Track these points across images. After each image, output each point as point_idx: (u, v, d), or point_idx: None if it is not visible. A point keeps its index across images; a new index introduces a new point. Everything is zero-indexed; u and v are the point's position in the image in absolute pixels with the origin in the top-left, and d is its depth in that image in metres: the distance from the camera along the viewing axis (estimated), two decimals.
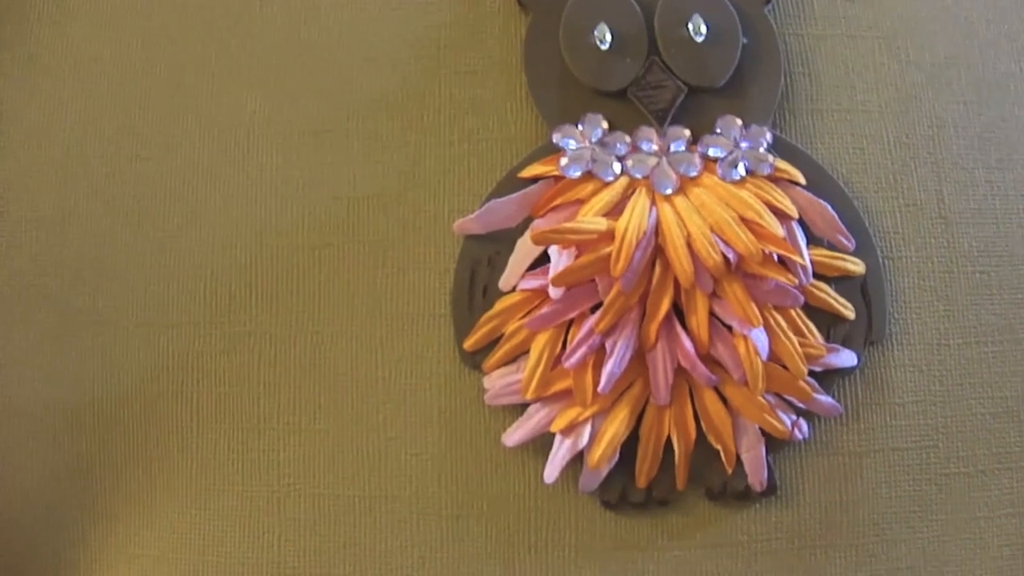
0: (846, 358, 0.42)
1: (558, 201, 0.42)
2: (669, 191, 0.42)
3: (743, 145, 0.42)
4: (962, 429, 0.43)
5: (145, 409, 0.43)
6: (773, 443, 0.42)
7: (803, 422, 0.42)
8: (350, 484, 0.42)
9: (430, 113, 0.44)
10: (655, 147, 0.42)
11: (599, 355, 0.41)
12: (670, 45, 0.43)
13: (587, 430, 0.41)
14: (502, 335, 0.42)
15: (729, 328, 0.41)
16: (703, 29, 0.43)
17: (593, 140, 0.42)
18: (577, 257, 0.41)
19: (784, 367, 0.41)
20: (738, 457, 0.42)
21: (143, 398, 0.43)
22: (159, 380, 0.43)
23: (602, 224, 0.41)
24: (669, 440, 0.41)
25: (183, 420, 0.43)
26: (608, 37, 0.43)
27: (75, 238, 0.44)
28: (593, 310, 0.41)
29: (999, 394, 0.43)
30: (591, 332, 0.40)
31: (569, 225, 0.41)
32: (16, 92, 0.45)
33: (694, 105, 0.43)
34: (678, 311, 0.41)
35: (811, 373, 0.42)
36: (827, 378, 0.42)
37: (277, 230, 0.43)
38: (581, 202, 0.42)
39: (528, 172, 0.42)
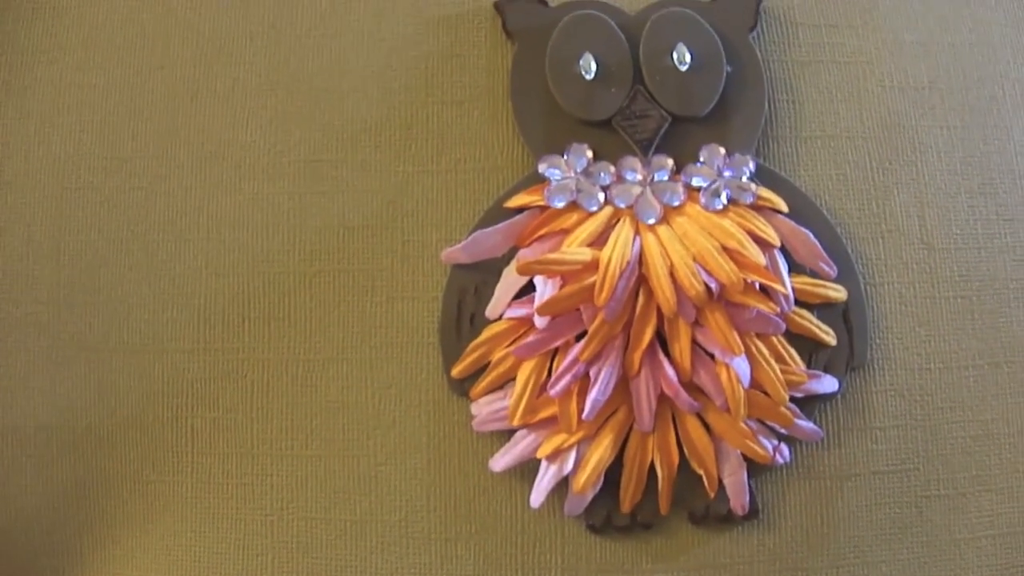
0: (827, 384, 0.43)
1: (543, 231, 0.42)
2: (652, 221, 0.42)
3: (726, 174, 0.43)
4: (943, 452, 0.43)
5: (140, 434, 0.44)
6: (755, 467, 0.43)
7: (784, 447, 0.42)
8: (341, 508, 0.43)
9: (418, 143, 0.44)
10: (639, 177, 0.43)
11: (584, 383, 0.42)
12: (655, 74, 0.43)
13: (572, 456, 0.42)
14: (489, 363, 0.43)
15: (711, 356, 0.42)
16: (687, 58, 0.43)
17: (578, 170, 0.43)
18: (562, 287, 0.41)
19: (766, 393, 0.42)
20: (720, 481, 0.42)
21: (138, 423, 0.44)
22: (153, 406, 0.44)
23: (586, 254, 0.41)
24: (653, 465, 0.42)
25: (178, 445, 0.44)
26: (593, 67, 0.43)
27: (69, 266, 0.45)
28: (578, 338, 0.42)
29: (979, 417, 0.44)
30: (576, 360, 0.41)
31: (554, 256, 0.41)
32: (10, 122, 0.46)
33: (678, 134, 0.43)
34: (661, 339, 0.42)
35: (793, 398, 0.42)
36: (809, 403, 0.43)
37: (268, 258, 0.44)
38: (566, 232, 0.42)
39: (514, 202, 0.43)
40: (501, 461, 0.42)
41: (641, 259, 0.42)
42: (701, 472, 0.42)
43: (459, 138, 0.44)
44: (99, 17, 0.46)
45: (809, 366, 0.43)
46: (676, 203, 0.42)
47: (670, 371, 0.41)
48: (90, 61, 0.46)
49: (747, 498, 0.42)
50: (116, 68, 0.45)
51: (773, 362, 0.42)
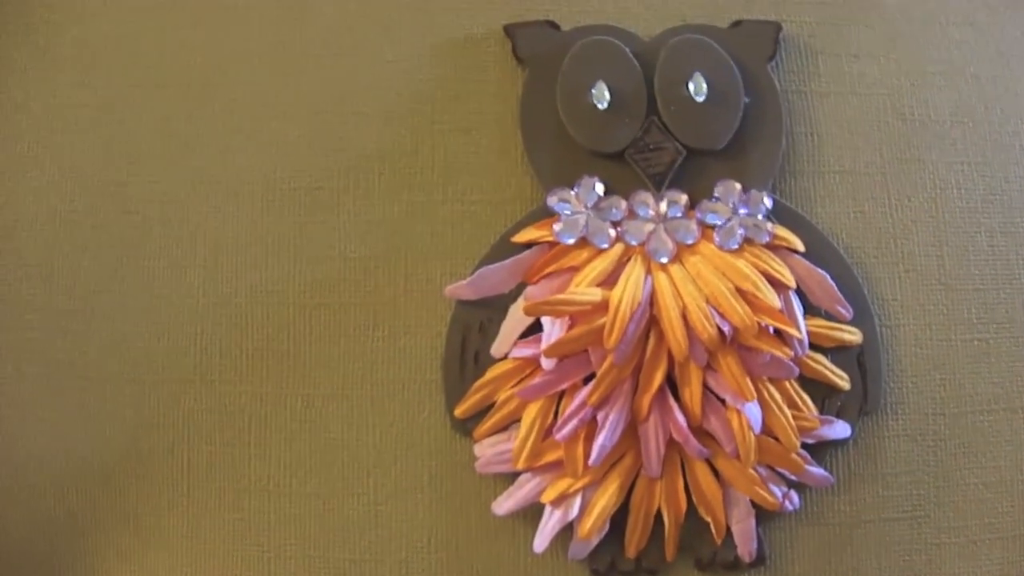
0: (840, 430, 0.42)
1: (552, 268, 0.41)
2: (665, 260, 0.41)
3: (741, 212, 0.41)
4: (954, 499, 0.43)
5: (135, 466, 0.43)
6: (763, 514, 0.42)
7: (794, 494, 0.41)
8: (340, 547, 0.42)
9: (423, 171, 0.43)
10: (652, 212, 0.42)
11: (591, 427, 0.40)
12: (670, 105, 0.42)
13: (577, 501, 0.41)
14: (493, 403, 0.41)
15: (722, 400, 0.41)
16: (704, 88, 0.42)
17: (588, 204, 0.42)
18: (570, 328, 0.40)
19: (777, 439, 0.41)
20: (728, 528, 0.41)
21: (132, 455, 0.43)
22: (148, 437, 0.43)
23: (596, 295, 0.40)
24: (659, 510, 0.41)
25: (174, 479, 0.43)
26: (606, 96, 0.42)
27: (62, 292, 0.43)
28: (585, 381, 0.41)
29: (992, 464, 0.43)
30: (583, 404, 0.40)
31: (562, 297, 0.40)
32: (3, 143, 0.44)
33: (693, 167, 0.42)
34: (671, 382, 0.41)
35: (804, 444, 0.41)
36: (820, 449, 0.42)
37: (267, 288, 0.43)
38: (575, 269, 0.41)
39: (522, 237, 0.42)
40: (504, 505, 0.41)
41: (652, 300, 0.40)
42: (709, 519, 0.41)
43: (466, 167, 0.43)
44: (94, 34, 0.44)
45: (821, 411, 0.42)
46: (690, 241, 0.41)
47: (680, 416, 0.40)
48: (84, 79, 0.44)
49: (755, 545, 0.41)
50: (111, 87, 0.44)
51: (785, 408, 0.41)
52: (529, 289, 0.41)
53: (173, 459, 0.43)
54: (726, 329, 0.40)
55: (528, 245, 0.42)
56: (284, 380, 0.42)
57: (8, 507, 0.44)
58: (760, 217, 0.41)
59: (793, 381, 0.41)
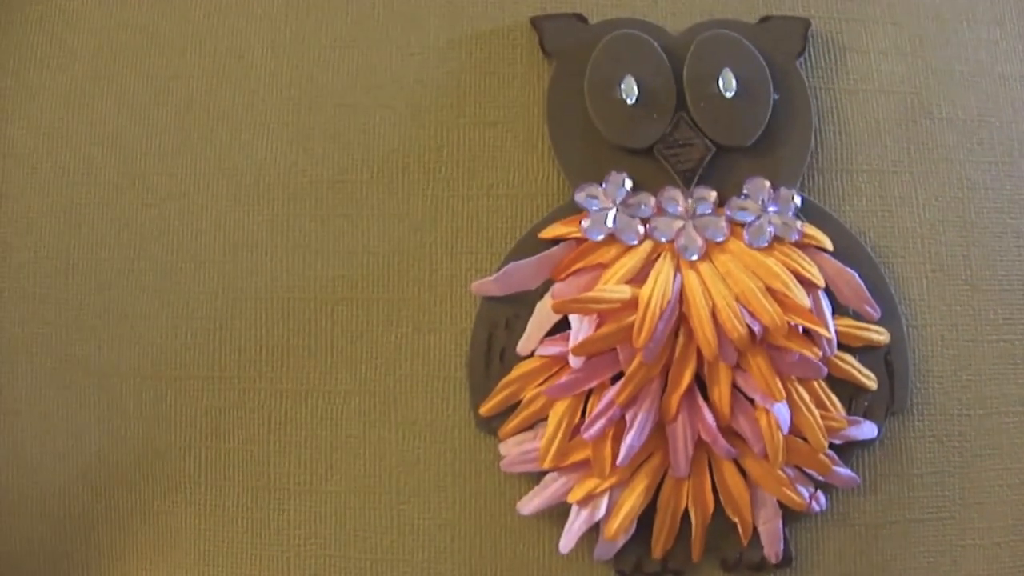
0: (867, 430, 0.41)
1: (579, 265, 0.41)
2: (695, 257, 0.40)
3: (771, 209, 0.41)
4: (979, 501, 0.42)
5: (151, 464, 0.42)
6: (790, 514, 0.41)
7: (821, 494, 0.41)
8: (361, 546, 0.41)
9: (449, 165, 0.42)
10: (681, 209, 0.41)
11: (618, 426, 0.40)
12: (699, 100, 0.41)
13: (604, 502, 0.40)
14: (519, 401, 0.41)
15: (751, 400, 0.40)
16: (733, 84, 0.41)
17: (617, 200, 0.41)
18: (599, 326, 0.40)
19: (804, 440, 0.41)
20: (754, 528, 0.41)
21: (149, 452, 0.42)
22: (166, 434, 0.42)
23: (625, 292, 0.39)
24: (686, 510, 0.41)
25: (191, 476, 0.42)
26: (635, 91, 0.41)
27: (78, 285, 0.42)
28: (613, 379, 0.40)
29: (1018, 465, 0.43)
30: (611, 403, 0.40)
31: (591, 294, 0.39)
32: (17, 132, 0.43)
33: (722, 164, 0.42)
34: (699, 382, 0.40)
35: (831, 444, 0.41)
36: (847, 449, 0.41)
37: (288, 283, 0.42)
38: (603, 266, 0.41)
39: (549, 233, 0.41)
40: (530, 504, 0.41)
41: (682, 298, 0.40)
42: (736, 520, 0.41)
43: (492, 161, 0.42)
44: (112, 23, 0.43)
45: (849, 411, 0.41)
46: (719, 239, 0.41)
47: (708, 416, 0.40)
48: (102, 70, 0.43)
49: (781, 546, 0.41)
50: (129, 78, 0.43)
51: (814, 408, 0.40)
52: (557, 286, 0.41)
53: (191, 456, 0.42)
54: (756, 328, 0.39)
55: (555, 241, 0.41)
56: (305, 377, 0.42)
57: (22, 504, 0.43)
58: (790, 215, 0.41)
59: (821, 381, 0.41)
